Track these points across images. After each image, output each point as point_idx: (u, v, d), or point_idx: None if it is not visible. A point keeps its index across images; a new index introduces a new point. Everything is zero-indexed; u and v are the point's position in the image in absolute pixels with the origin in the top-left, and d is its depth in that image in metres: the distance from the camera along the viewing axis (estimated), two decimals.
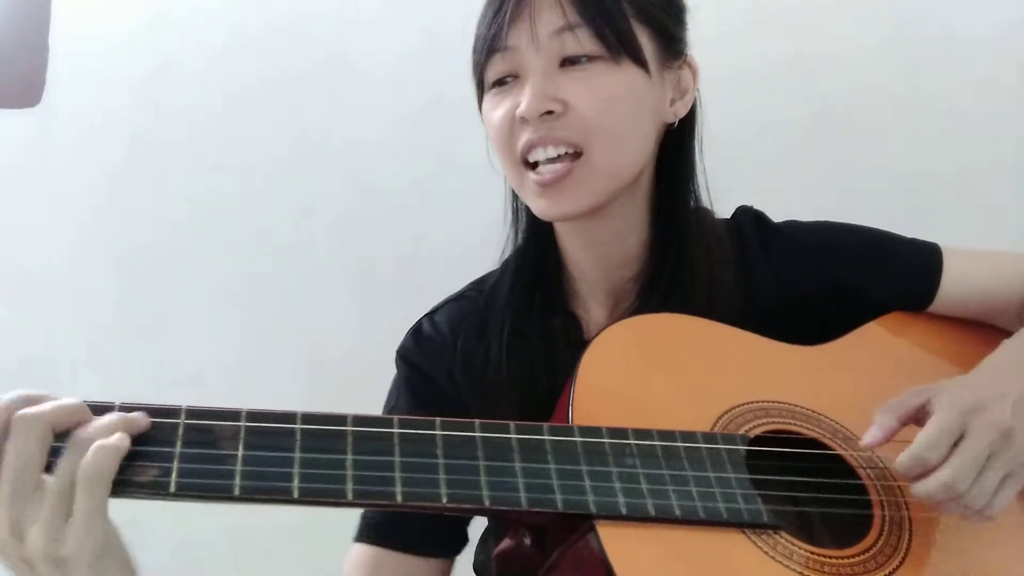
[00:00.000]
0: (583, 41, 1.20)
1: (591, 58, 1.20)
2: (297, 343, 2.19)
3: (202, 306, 2.19)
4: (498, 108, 1.24)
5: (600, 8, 1.20)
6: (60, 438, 0.88)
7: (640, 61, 1.22)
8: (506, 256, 1.39)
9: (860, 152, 2.21)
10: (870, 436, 1.11)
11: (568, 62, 1.21)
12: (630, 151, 1.25)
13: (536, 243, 1.36)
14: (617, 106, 1.21)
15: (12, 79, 2.21)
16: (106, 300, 2.18)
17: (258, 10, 2.22)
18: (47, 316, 2.17)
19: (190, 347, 2.18)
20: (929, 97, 2.22)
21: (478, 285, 1.42)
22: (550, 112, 1.19)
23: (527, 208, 1.34)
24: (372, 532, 1.31)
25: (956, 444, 1.07)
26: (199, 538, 2.04)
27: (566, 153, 1.21)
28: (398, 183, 2.21)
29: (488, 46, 1.23)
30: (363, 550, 1.31)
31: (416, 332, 1.39)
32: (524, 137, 1.21)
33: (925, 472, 1.06)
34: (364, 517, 1.32)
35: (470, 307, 1.38)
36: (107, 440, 0.87)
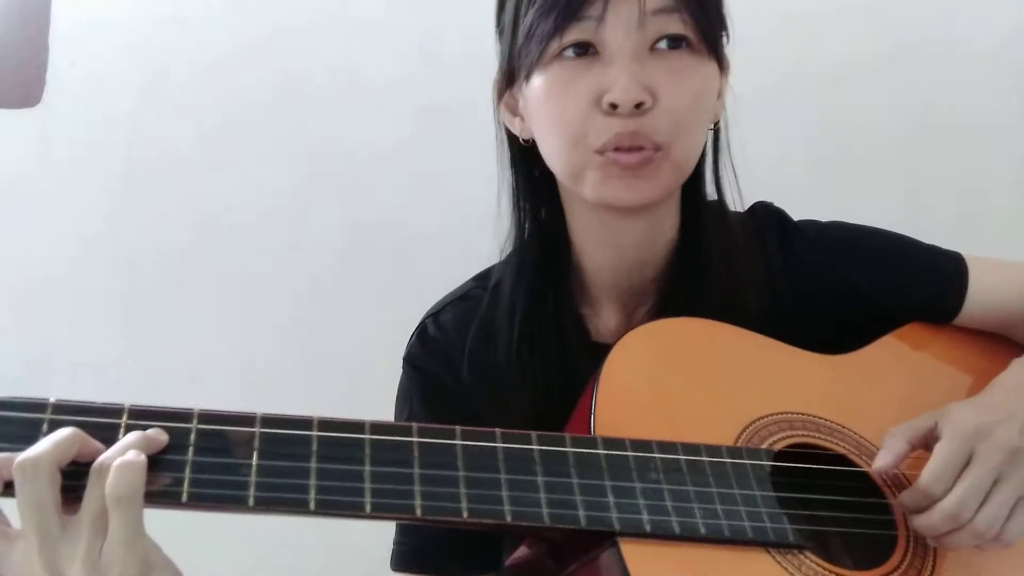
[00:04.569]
0: (685, 24, 1.14)
1: (688, 46, 1.15)
2: (297, 344, 2.17)
3: (202, 307, 2.17)
4: (570, 86, 1.15)
5: None
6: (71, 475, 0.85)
7: (720, 58, 1.20)
8: (505, 249, 1.33)
9: (858, 146, 2.21)
10: (881, 460, 1.09)
11: (662, 47, 1.14)
12: (697, 149, 1.22)
13: (545, 240, 1.31)
14: (699, 103, 1.18)
15: (12, 79, 2.19)
16: (106, 300, 2.15)
17: (259, 10, 2.19)
18: (47, 317, 2.14)
19: (190, 348, 2.15)
20: (931, 102, 2.22)
21: (482, 281, 1.37)
22: (640, 104, 1.12)
23: (532, 201, 1.31)
24: (411, 561, 1.29)
25: (963, 471, 1.04)
26: (195, 536, 2.01)
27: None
28: (398, 170, 2.18)
29: (573, 12, 1.13)
30: None
31: (422, 334, 1.35)
32: (611, 129, 1.13)
33: (930, 504, 1.04)
34: (400, 543, 1.30)
35: (475, 305, 1.34)
36: (126, 457, 0.84)
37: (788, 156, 2.17)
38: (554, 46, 1.15)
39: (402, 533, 1.29)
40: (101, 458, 0.85)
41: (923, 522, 1.05)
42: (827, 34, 2.22)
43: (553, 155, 1.21)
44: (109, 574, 0.83)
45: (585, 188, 1.18)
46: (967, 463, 1.05)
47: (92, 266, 2.16)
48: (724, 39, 1.22)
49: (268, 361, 2.15)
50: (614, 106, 1.12)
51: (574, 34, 1.14)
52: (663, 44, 1.14)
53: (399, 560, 1.29)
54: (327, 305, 2.18)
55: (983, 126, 2.21)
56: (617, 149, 1.14)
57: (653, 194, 1.17)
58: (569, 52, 1.15)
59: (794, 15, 2.21)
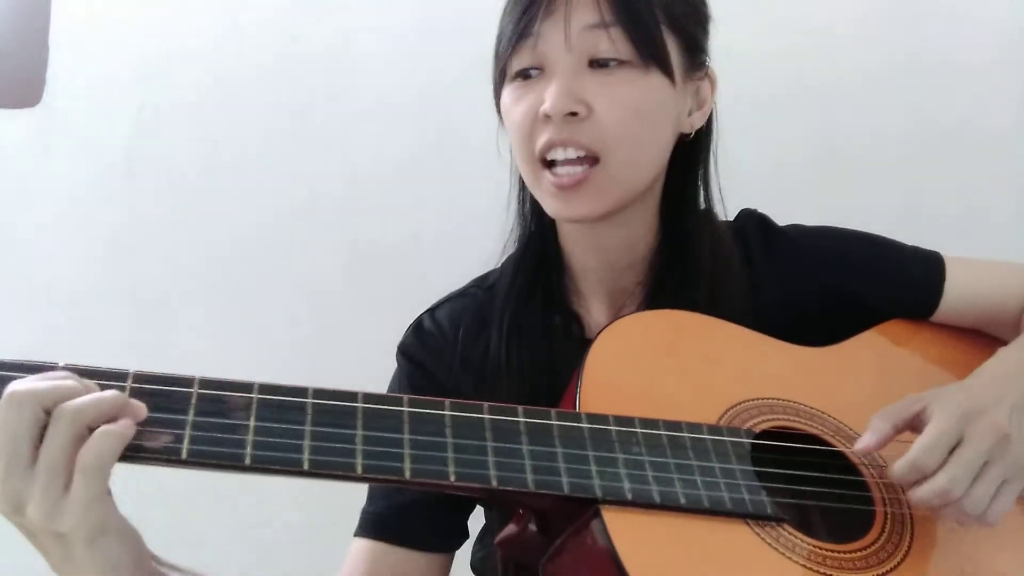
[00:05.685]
0: (616, 42, 1.19)
1: (620, 62, 1.19)
2: (297, 345, 2.18)
3: (202, 307, 2.18)
4: (520, 102, 1.22)
5: (635, 11, 1.19)
6: None
7: (667, 70, 1.22)
8: (508, 247, 1.38)
9: (858, 155, 2.22)
10: (864, 441, 1.12)
11: (597, 64, 1.19)
12: (647, 161, 1.25)
13: (539, 239, 1.36)
14: (639, 116, 1.21)
15: (12, 79, 2.20)
16: (105, 299, 2.17)
17: (259, 13, 2.22)
18: (45, 315, 2.16)
19: (190, 348, 2.17)
20: (930, 110, 2.23)
21: (480, 282, 1.41)
22: (574, 113, 1.18)
23: (533, 203, 1.34)
24: (372, 527, 1.30)
25: (953, 450, 1.07)
26: (199, 535, 2.03)
27: (584, 156, 1.20)
28: (398, 179, 2.21)
29: (517, 35, 1.20)
30: (363, 544, 1.30)
31: (417, 328, 1.39)
32: (545, 136, 1.20)
33: (922, 478, 1.07)
34: (365, 512, 1.32)
35: (471, 303, 1.38)
36: (113, 426, 0.86)
37: (787, 164, 2.19)
38: (510, 68, 1.24)
39: (369, 501, 1.33)
40: (67, 404, 0.86)
41: (916, 495, 1.07)
42: (829, 45, 2.24)
43: (518, 166, 1.29)
44: (60, 526, 0.86)
45: (540, 201, 1.27)
46: (958, 443, 1.07)
47: (91, 265, 2.17)
48: (683, 53, 1.25)
49: (268, 361, 2.16)
50: (549, 116, 1.18)
51: (520, 54, 1.22)
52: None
53: (361, 526, 1.32)
54: (328, 305, 2.20)
55: (981, 135, 2.22)
56: (552, 165, 1.21)
57: (593, 209, 1.23)
58: (519, 68, 1.23)
59: (797, 26, 2.23)
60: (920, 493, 1.07)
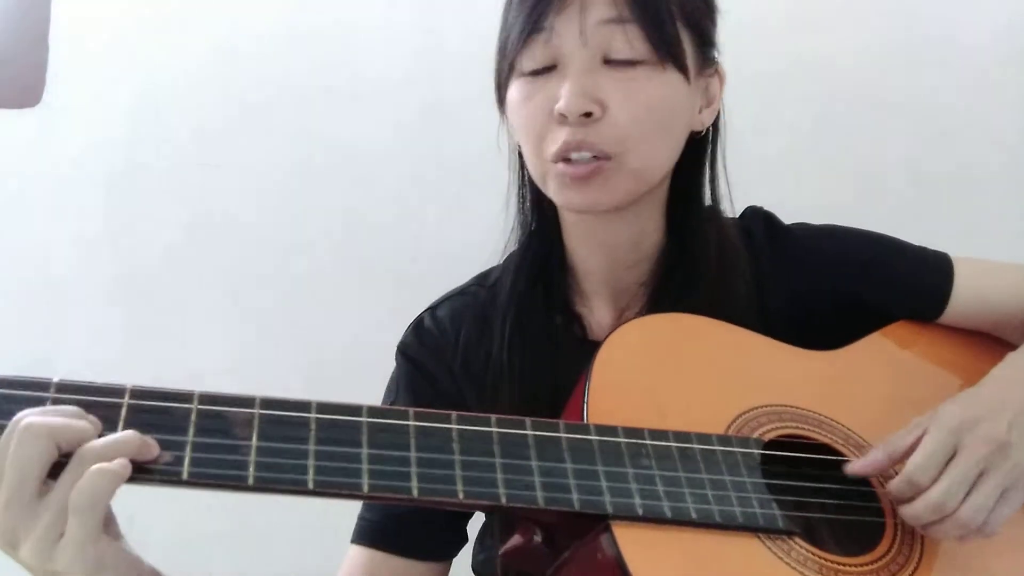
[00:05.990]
0: (632, 39, 1.16)
1: (636, 60, 1.17)
2: (297, 344, 2.18)
3: (202, 307, 2.18)
4: (531, 99, 1.20)
5: (652, 8, 1.16)
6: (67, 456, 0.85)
7: (683, 67, 1.19)
8: (509, 246, 1.36)
9: (860, 154, 2.21)
10: (853, 464, 1.11)
11: (612, 61, 1.17)
12: (660, 158, 1.23)
13: (541, 237, 1.34)
14: (654, 114, 1.18)
15: (12, 79, 2.21)
16: (106, 301, 2.17)
17: (259, 11, 2.21)
18: (46, 317, 2.16)
19: (190, 348, 2.16)
20: (929, 98, 2.22)
21: (481, 280, 1.40)
22: (589, 114, 1.15)
23: (535, 201, 1.33)
24: (370, 535, 1.29)
25: (949, 463, 1.06)
26: (197, 538, 2.03)
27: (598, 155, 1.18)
28: (398, 184, 2.20)
29: (529, 29, 1.17)
30: (360, 552, 1.29)
31: (417, 327, 1.37)
32: (560, 138, 1.17)
33: (916, 495, 1.06)
34: (362, 519, 1.31)
35: (472, 302, 1.36)
36: (108, 464, 0.83)
37: (786, 151, 2.18)
38: (519, 64, 1.20)
39: (366, 507, 1.31)
40: (86, 448, 0.84)
41: (909, 512, 1.07)
42: (826, 30, 2.23)
43: (526, 161, 1.26)
44: (54, 565, 0.84)
45: (550, 194, 1.24)
46: (953, 456, 1.07)
47: (91, 266, 2.17)
48: (696, 50, 1.23)
49: (267, 360, 2.17)
50: (564, 116, 1.16)
51: (532, 49, 1.19)
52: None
53: (358, 533, 1.31)
54: (327, 305, 2.19)
55: (980, 119, 2.21)
56: (566, 161, 1.18)
57: (607, 200, 1.20)
58: (532, 67, 1.20)
59: (793, 11, 2.22)
60: (914, 509, 1.06)
